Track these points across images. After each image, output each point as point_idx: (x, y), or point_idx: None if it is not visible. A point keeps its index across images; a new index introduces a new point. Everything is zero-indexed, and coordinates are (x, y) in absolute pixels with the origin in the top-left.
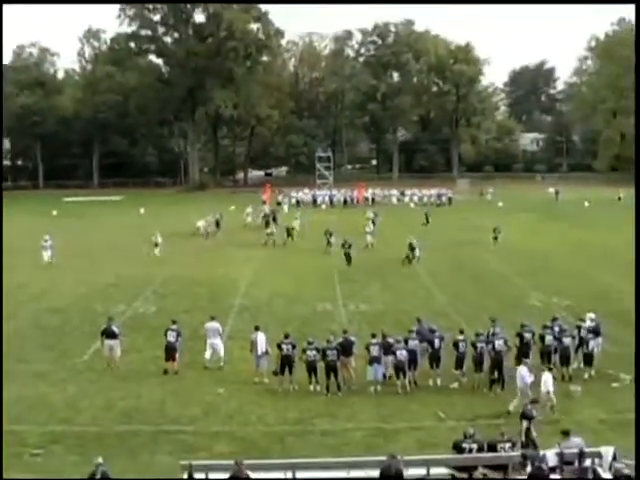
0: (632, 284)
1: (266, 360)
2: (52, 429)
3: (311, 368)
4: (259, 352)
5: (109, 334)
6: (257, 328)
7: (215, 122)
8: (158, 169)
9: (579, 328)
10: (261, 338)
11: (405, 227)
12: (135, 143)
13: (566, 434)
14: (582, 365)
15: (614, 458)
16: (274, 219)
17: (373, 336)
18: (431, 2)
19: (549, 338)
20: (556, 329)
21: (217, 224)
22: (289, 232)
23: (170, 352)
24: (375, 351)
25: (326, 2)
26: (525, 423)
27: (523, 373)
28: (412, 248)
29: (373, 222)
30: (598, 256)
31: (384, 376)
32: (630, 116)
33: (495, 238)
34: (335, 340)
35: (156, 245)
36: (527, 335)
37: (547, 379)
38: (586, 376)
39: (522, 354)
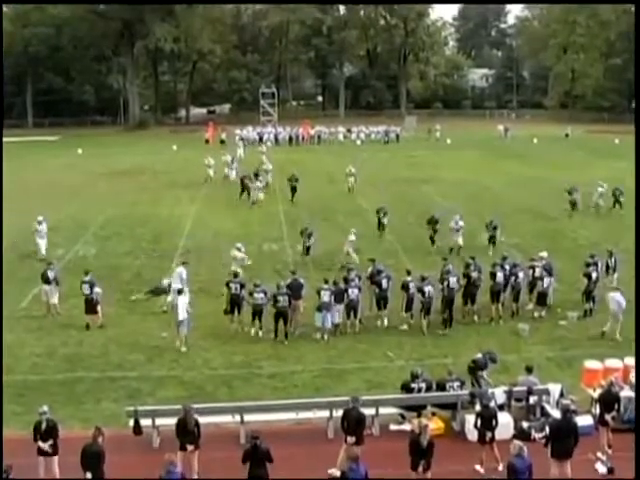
0: (582, 221)
1: (186, 326)
2: None
3: (257, 312)
4: (180, 317)
5: (45, 279)
6: (180, 292)
7: (155, 57)
8: (96, 107)
9: (533, 268)
10: (182, 301)
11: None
12: (71, 80)
13: (529, 370)
14: (533, 305)
15: (561, 395)
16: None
17: (326, 282)
18: None
19: (499, 275)
20: (507, 267)
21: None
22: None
23: (87, 305)
24: (326, 297)
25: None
26: (479, 372)
27: (618, 298)
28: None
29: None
30: (547, 194)
31: (334, 325)
32: (580, 52)
33: None
34: (284, 283)
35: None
36: (474, 274)
37: (620, 299)
38: (536, 314)
39: (469, 294)
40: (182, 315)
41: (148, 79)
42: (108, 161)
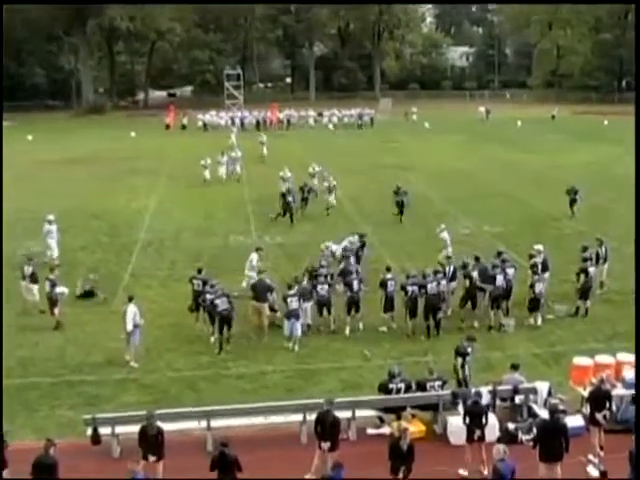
0: (565, 209)
1: (137, 336)
2: None
3: (212, 314)
4: (129, 327)
5: (22, 275)
6: (130, 299)
7: (110, 36)
8: (48, 90)
9: (536, 265)
10: (131, 310)
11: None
12: (22, 62)
13: (515, 368)
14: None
15: (549, 393)
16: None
17: (289, 287)
18: None
19: (499, 278)
20: (506, 269)
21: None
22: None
23: (48, 303)
24: (294, 303)
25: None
26: (459, 360)
27: None
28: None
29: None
30: (531, 180)
31: (306, 326)
32: (567, 27)
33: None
34: (220, 285)
35: None
36: (474, 274)
37: None
38: (532, 321)
39: (470, 297)
40: (129, 326)
41: (103, 60)
42: (60, 148)
